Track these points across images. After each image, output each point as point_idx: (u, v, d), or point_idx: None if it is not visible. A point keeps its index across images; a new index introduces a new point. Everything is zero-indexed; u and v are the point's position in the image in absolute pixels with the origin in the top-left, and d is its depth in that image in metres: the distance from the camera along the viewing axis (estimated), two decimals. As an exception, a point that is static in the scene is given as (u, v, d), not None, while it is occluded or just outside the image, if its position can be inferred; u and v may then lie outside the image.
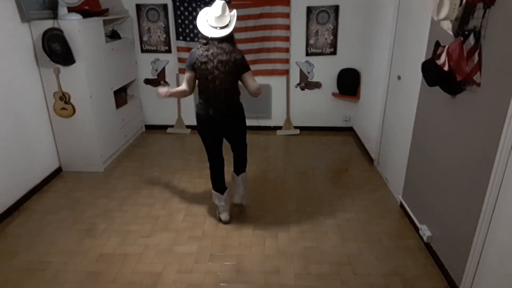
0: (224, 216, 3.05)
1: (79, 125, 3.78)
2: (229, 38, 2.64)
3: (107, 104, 4.08)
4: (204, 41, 2.64)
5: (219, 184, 3.04)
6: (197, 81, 2.77)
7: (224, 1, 2.60)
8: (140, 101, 5.10)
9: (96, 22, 3.83)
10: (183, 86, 2.80)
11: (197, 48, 2.68)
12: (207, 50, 2.61)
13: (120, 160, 4.28)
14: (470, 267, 2.13)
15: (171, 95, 2.76)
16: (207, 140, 2.92)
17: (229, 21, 2.63)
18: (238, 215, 3.17)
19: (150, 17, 4.70)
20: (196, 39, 4.68)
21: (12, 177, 3.25)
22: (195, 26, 4.63)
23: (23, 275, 2.50)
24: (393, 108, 3.54)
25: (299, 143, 4.74)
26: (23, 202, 3.36)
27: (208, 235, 2.91)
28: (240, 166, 3.14)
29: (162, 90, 2.75)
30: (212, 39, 2.60)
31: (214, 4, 2.58)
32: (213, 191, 3.06)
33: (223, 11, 2.56)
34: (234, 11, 2.71)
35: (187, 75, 2.76)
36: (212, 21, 2.59)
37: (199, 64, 2.62)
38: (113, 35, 4.45)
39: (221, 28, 2.60)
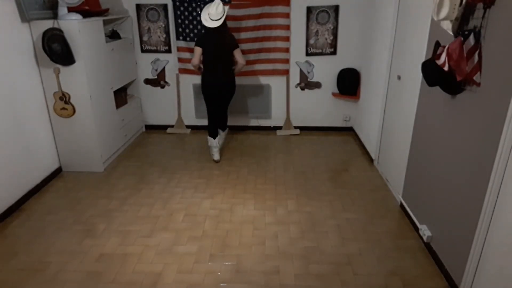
0: (216, 156, 4.17)
1: (79, 125, 3.78)
2: (222, 26, 3.67)
3: (107, 104, 4.08)
4: (207, 28, 3.71)
5: (213, 131, 4.14)
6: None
7: (219, 0, 3.64)
8: (140, 101, 5.10)
9: (96, 22, 3.83)
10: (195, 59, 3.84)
11: (203, 33, 3.96)
12: (208, 34, 3.78)
13: (120, 160, 4.28)
14: (470, 267, 2.13)
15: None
16: (208, 98, 4.01)
17: (222, 15, 3.64)
18: (238, 215, 3.17)
19: (150, 17, 4.70)
20: (196, 39, 4.68)
21: (12, 177, 3.25)
22: (195, 26, 4.63)
23: (23, 275, 2.50)
24: (393, 108, 3.54)
25: (299, 143, 4.74)
26: (23, 202, 3.36)
27: (208, 235, 2.92)
28: (222, 124, 4.30)
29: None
30: (211, 28, 3.66)
31: (213, 3, 3.64)
32: (208, 137, 4.18)
33: (217, 9, 3.61)
34: (227, 7, 3.76)
35: (197, 49, 3.81)
36: (211, 15, 3.63)
37: (204, 44, 3.77)
38: (113, 35, 4.45)
39: (217, 20, 3.63)
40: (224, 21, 3.67)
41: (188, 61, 4.83)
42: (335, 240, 2.84)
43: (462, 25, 2.15)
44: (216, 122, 4.15)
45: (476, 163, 2.10)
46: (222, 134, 4.37)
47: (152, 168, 4.07)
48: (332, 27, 4.62)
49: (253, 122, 5.13)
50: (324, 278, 2.45)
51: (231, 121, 5.09)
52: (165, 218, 3.14)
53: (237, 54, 3.83)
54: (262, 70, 4.79)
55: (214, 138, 4.15)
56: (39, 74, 3.60)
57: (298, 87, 4.95)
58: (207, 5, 3.70)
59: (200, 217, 3.14)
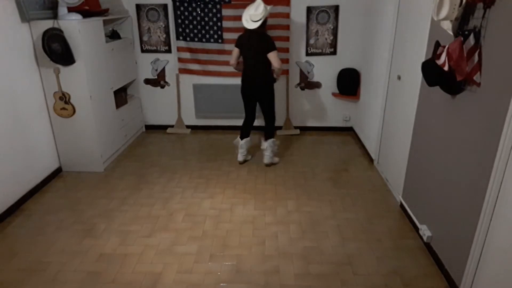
0: (239, 157, 4.13)
1: (79, 125, 3.78)
2: (260, 27, 3.63)
3: (107, 104, 4.08)
4: (246, 28, 3.70)
5: (243, 132, 4.10)
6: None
7: (260, 0, 3.61)
8: (140, 101, 5.10)
9: (96, 22, 3.83)
10: (232, 60, 3.89)
11: (242, 34, 3.85)
12: (245, 34, 3.79)
13: (120, 160, 4.28)
14: (470, 267, 2.13)
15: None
16: (243, 98, 4.00)
17: (262, 16, 3.58)
18: (238, 215, 3.17)
19: (150, 17, 4.70)
20: (196, 39, 4.69)
21: (12, 177, 3.25)
22: (195, 26, 4.63)
23: (23, 275, 2.50)
24: (393, 108, 3.54)
25: (299, 143, 4.74)
26: (23, 202, 3.36)
27: (208, 235, 2.92)
28: (266, 133, 4.07)
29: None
30: (248, 29, 3.63)
31: (255, 3, 3.62)
32: (238, 137, 4.13)
33: (257, 9, 3.60)
34: (269, 7, 3.72)
35: (234, 50, 3.85)
36: (251, 16, 3.62)
37: (242, 45, 3.79)
38: (113, 35, 4.45)
39: (255, 21, 3.60)
40: (263, 22, 3.63)
41: (188, 61, 4.85)
42: (335, 240, 2.84)
43: (462, 25, 2.15)
44: (248, 124, 4.07)
45: (476, 163, 2.10)
46: (264, 144, 4.05)
47: (152, 168, 4.07)
48: (332, 27, 4.62)
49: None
50: (324, 278, 2.45)
51: (231, 121, 5.11)
52: (165, 218, 3.14)
53: (272, 57, 3.65)
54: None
55: (242, 139, 4.09)
56: (39, 74, 3.60)
57: (298, 87, 4.95)
58: (249, 6, 3.68)
59: (200, 217, 3.14)
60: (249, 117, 4.05)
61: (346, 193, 3.51)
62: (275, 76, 3.86)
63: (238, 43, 3.81)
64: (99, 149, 3.92)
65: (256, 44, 3.69)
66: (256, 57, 3.74)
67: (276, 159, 4.15)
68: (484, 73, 2.02)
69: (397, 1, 3.37)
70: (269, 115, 3.99)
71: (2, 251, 2.74)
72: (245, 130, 4.09)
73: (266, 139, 4.04)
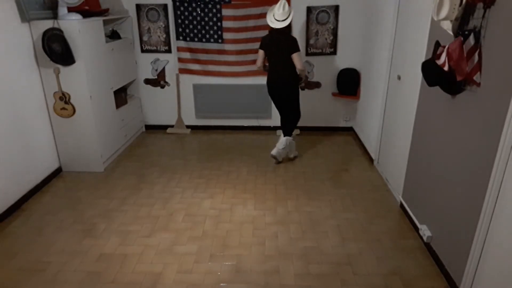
0: (274, 150, 4.05)
1: (79, 125, 3.78)
2: (286, 29, 3.68)
3: (107, 104, 4.08)
4: (271, 30, 3.74)
5: (282, 128, 4.15)
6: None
7: (284, 0, 3.62)
8: (140, 101, 5.10)
9: (96, 22, 3.83)
10: (258, 62, 3.93)
11: (266, 35, 3.86)
12: (270, 35, 3.80)
13: (120, 160, 4.28)
14: (470, 267, 2.13)
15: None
16: (272, 99, 4.04)
17: (288, 15, 3.60)
18: (238, 215, 3.17)
19: (150, 17, 4.70)
20: (196, 39, 4.69)
21: (12, 177, 3.25)
22: (195, 26, 4.63)
23: (23, 275, 2.50)
24: (393, 108, 3.54)
25: (299, 143, 4.73)
26: (23, 202, 3.36)
27: (208, 235, 2.92)
28: (285, 129, 4.09)
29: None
30: (275, 29, 3.64)
31: (278, 3, 3.62)
32: (281, 132, 4.17)
33: (283, 9, 3.59)
34: (291, 7, 3.84)
35: (260, 53, 3.87)
36: (277, 15, 3.61)
37: (266, 46, 3.80)
38: (113, 35, 4.45)
39: (282, 20, 3.60)
40: (289, 24, 3.66)
41: (188, 61, 4.85)
42: (335, 240, 2.84)
43: (462, 25, 2.15)
44: (284, 119, 4.10)
45: (476, 163, 2.10)
46: (282, 140, 4.06)
47: (152, 168, 4.07)
48: (332, 27, 4.62)
49: (253, 122, 5.13)
50: (324, 278, 2.45)
51: (231, 121, 5.11)
52: (165, 218, 3.14)
53: (295, 58, 3.68)
54: (262, 70, 4.78)
55: (284, 135, 4.11)
56: (39, 74, 3.60)
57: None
58: (272, 6, 3.69)
59: (200, 217, 3.14)
60: (282, 114, 4.10)
61: (346, 193, 3.51)
62: (301, 82, 3.94)
63: (262, 44, 3.83)
64: (99, 149, 3.92)
65: (281, 44, 3.70)
66: (280, 58, 3.75)
67: (295, 153, 4.23)
68: (484, 73, 2.02)
69: (397, 1, 3.37)
70: (293, 114, 4.04)
71: (2, 251, 2.74)
72: (283, 126, 4.14)
73: (285, 135, 4.08)
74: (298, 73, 3.79)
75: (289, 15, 3.61)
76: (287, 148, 4.11)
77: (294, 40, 3.73)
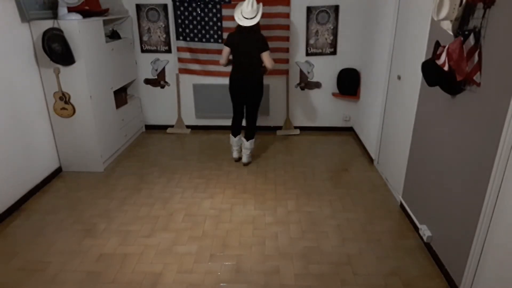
0: (234, 154, 4.16)
1: (79, 125, 3.78)
2: (255, 26, 3.58)
3: (107, 104, 4.08)
4: (239, 28, 3.63)
5: (234, 130, 4.09)
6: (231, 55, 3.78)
7: None
8: (140, 101, 5.10)
9: (96, 22, 3.83)
10: (223, 59, 3.84)
11: (233, 33, 3.74)
12: (238, 33, 3.68)
13: (120, 160, 4.28)
14: (470, 267, 2.13)
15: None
16: (232, 97, 3.94)
17: (256, 13, 3.53)
18: (238, 215, 3.17)
19: (150, 17, 4.70)
20: (196, 39, 4.69)
21: (12, 177, 3.25)
22: (195, 26, 4.63)
23: (23, 275, 2.50)
24: (393, 108, 3.54)
25: (299, 143, 4.74)
26: (23, 202, 3.36)
27: (208, 235, 2.92)
28: (249, 131, 4.04)
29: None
30: (243, 27, 3.55)
31: (246, 1, 3.50)
32: (230, 135, 4.15)
33: (252, 6, 3.49)
34: (261, 4, 3.60)
35: (225, 50, 3.76)
36: (245, 13, 3.51)
37: (232, 43, 3.69)
38: (113, 35, 4.45)
39: (251, 18, 3.51)
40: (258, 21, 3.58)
41: (188, 61, 4.85)
42: (335, 240, 2.84)
43: (462, 25, 2.15)
44: (239, 121, 4.07)
45: (476, 163, 2.10)
46: (247, 144, 4.04)
47: (152, 168, 4.07)
48: (332, 27, 4.62)
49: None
50: (324, 278, 2.45)
51: (231, 121, 5.09)
52: (165, 218, 3.14)
53: (265, 57, 3.63)
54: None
55: (235, 137, 4.10)
56: (39, 74, 3.60)
57: (298, 87, 4.95)
58: (239, 3, 3.60)
59: (200, 217, 3.14)
60: (239, 115, 4.05)
61: (346, 193, 3.51)
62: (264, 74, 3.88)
63: (229, 41, 3.73)
64: (99, 149, 3.91)
65: (250, 43, 3.63)
66: (249, 57, 3.68)
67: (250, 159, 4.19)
68: (484, 73, 2.02)
69: (397, 1, 3.37)
70: (255, 115, 4.00)
71: (2, 251, 2.74)
72: (236, 128, 4.09)
73: (248, 139, 4.03)
74: (264, 71, 3.79)
75: (258, 13, 3.53)
76: (252, 150, 4.14)
77: (264, 39, 3.65)
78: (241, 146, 4.13)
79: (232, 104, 4.02)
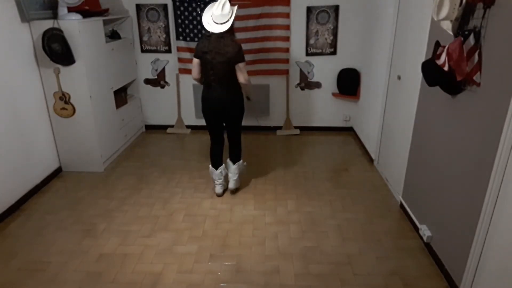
0: (217, 189, 3.45)
1: (79, 125, 3.78)
2: (228, 32, 2.96)
3: (107, 104, 4.08)
4: (208, 33, 3.01)
5: (214, 160, 3.42)
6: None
7: None
8: (140, 101, 5.10)
9: (96, 22, 3.83)
10: (194, 73, 3.19)
11: (202, 39, 3.09)
12: (207, 41, 3.01)
13: (120, 160, 4.28)
14: (470, 267, 2.13)
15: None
16: (206, 119, 3.30)
17: (229, 17, 2.93)
18: (238, 215, 3.17)
19: (150, 17, 4.70)
20: (196, 39, 4.68)
21: (12, 177, 3.25)
22: (195, 26, 4.63)
23: (23, 275, 2.50)
24: (393, 108, 3.54)
25: (299, 143, 4.74)
26: (23, 202, 3.36)
27: (208, 235, 2.92)
28: (233, 155, 3.48)
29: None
30: (213, 33, 2.95)
31: (217, 2, 2.92)
32: (210, 166, 3.46)
33: (223, 9, 2.90)
34: (235, 7, 3.01)
35: (194, 61, 3.13)
36: (215, 17, 2.92)
37: (202, 53, 3.04)
38: (113, 35, 4.45)
39: (222, 23, 2.92)
40: (231, 26, 2.96)
41: (188, 61, 4.84)
42: (335, 240, 2.84)
43: (462, 25, 2.15)
44: (219, 149, 3.41)
45: (476, 163, 2.10)
46: (232, 168, 3.45)
47: (152, 168, 4.07)
48: (332, 27, 4.62)
49: (253, 122, 5.12)
50: (324, 278, 2.45)
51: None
52: (165, 218, 3.14)
53: (239, 69, 3.02)
54: (262, 70, 4.79)
55: (216, 168, 3.41)
56: (39, 74, 3.60)
57: (298, 87, 4.95)
58: (210, 5, 2.99)
59: (200, 217, 3.14)
60: (218, 141, 3.39)
61: (346, 193, 3.51)
62: (245, 94, 3.24)
63: (198, 52, 3.05)
64: (99, 149, 3.91)
65: (222, 52, 2.96)
66: (222, 68, 3.01)
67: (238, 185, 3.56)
68: (484, 73, 2.02)
69: (397, 1, 3.37)
70: (237, 136, 3.42)
71: (2, 251, 2.74)
72: (217, 157, 3.41)
73: (235, 162, 3.46)
74: (243, 88, 3.17)
75: (230, 17, 2.92)
76: (242, 172, 3.57)
77: (239, 48, 2.99)
78: (226, 176, 3.52)
79: (208, 130, 3.36)
